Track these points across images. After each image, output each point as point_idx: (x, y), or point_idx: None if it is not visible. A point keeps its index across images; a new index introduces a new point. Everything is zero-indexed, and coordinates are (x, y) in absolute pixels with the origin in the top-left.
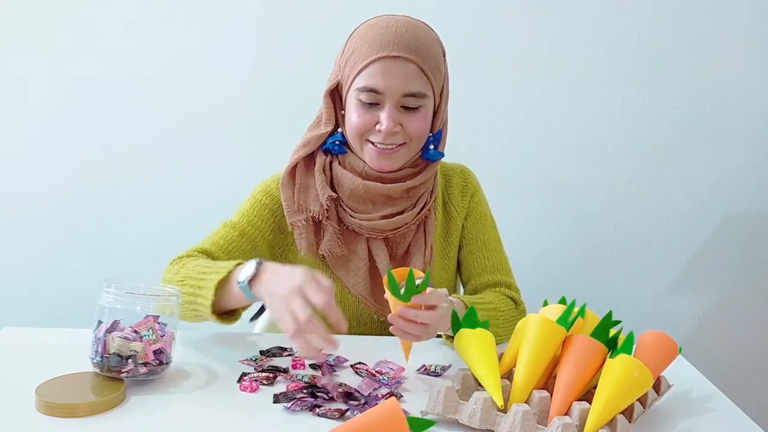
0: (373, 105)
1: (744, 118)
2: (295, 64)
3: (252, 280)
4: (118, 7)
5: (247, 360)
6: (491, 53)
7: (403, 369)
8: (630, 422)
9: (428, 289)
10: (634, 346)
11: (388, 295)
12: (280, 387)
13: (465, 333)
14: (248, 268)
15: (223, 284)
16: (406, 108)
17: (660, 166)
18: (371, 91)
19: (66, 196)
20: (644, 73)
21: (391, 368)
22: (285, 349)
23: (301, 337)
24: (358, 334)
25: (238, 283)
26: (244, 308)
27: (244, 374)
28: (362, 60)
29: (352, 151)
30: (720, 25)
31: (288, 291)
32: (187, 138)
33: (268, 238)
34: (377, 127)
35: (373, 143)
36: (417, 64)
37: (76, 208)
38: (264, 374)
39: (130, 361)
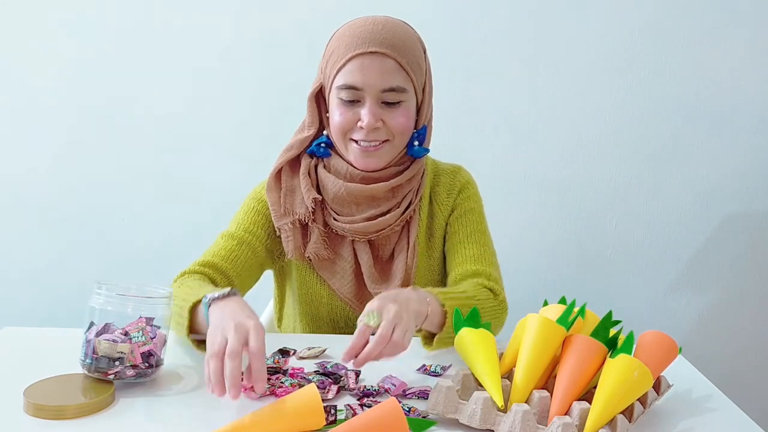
0: (354, 102)
1: (744, 118)
2: (296, 64)
3: (216, 300)
4: (119, 4)
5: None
6: (491, 54)
7: (406, 384)
8: (630, 422)
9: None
10: (634, 346)
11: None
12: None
13: (465, 333)
14: (220, 291)
15: (196, 308)
16: (387, 104)
17: (660, 166)
18: (350, 88)
19: (66, 195)
20: (644, 73)
21: (393, 384)
22: (287, 353)
23: (217, 362)
24: (347, 334)
25: (204, 297)
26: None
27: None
28: (340, 59)
29: (338, 153)
30: (720, 25)
31: (236, 324)
32: (188, 138)
33: (266, 242)
34: (359, 124)
35: (356, 142)
36: (394, 59)
37: (76, 208)
38: None
39: (117, 363)
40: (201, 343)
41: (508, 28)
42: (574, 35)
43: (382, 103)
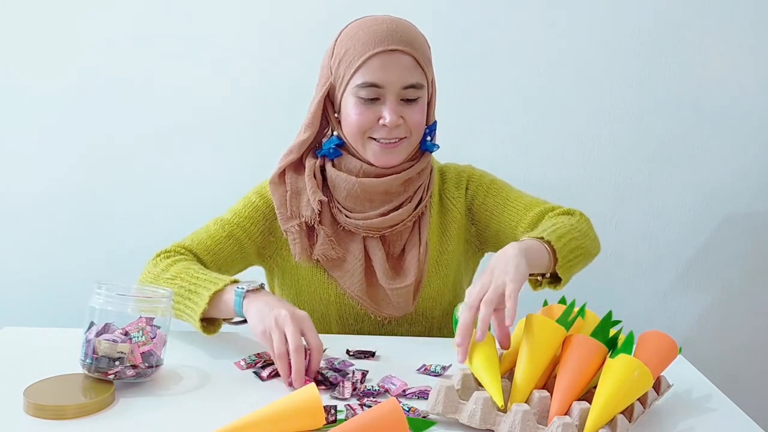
0: (374, 101)
1: (744, 118)
2: (296, 64)
3: (249, 292)
4: (119, 5)
5: (243, 361)
6: (491, 54)
7: (406, 384)
8: (630, 422)
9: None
10: (634, 346)
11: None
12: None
13: None
14: (252, 282)
15: (217, 295)
16: (406, 100)
17: (660, 166)
18: (372, 86)
19: (67, 196)
20: (644, 73)
21: (393, 384)
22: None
23: (286, 362)
24: (356, 332)
25: (236, 289)
26: (225, 320)
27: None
28: (359, 57)
29: (349, 153)
30: (720, 25)
31: (290, 315)
32: (188, 138)
33: (257, 240)
34: (380, 122)
35: (375, 139)
36: (413, 56)
37: (76, 208)
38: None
39: (117, 363)
40: (208, 327)
41: (508, 27)
42: (575, 35)
43: (400, 100)
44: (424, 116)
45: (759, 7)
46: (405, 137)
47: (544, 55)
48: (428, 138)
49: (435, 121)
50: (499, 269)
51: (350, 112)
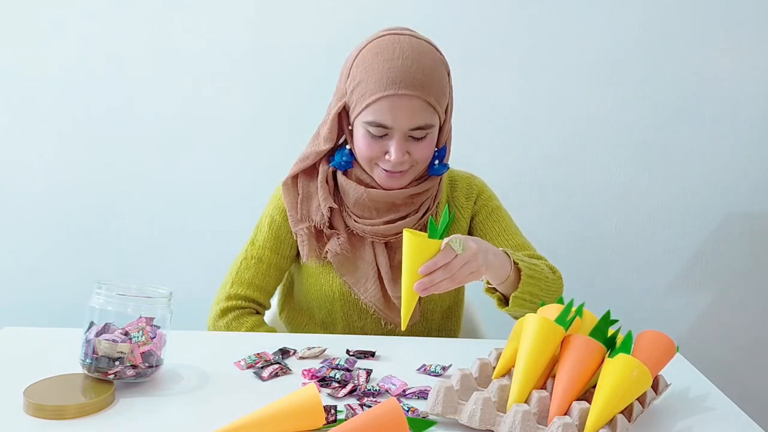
0: (382, 136)
1: (743, 118)
2: (298, 64)
3: None
4: (121, 4)
5: (243, 361)
6: (490, 54)
7: (406, 384)
8: (629, 422)
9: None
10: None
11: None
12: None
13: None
14: None
15: None
16: (414, 138)
17: (659, 166)
18: (380, 126)
19: (67, 196)
20: (644, 73)
21: (393, 384)
22: (288, 353)
23: None
24: (360, 329)
25: None
26: None
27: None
28: (369, 95)
29: (360, 166)
30: (719, 24)
31: None
32: (188, 139)
33: (290, 254)
34: (386, 156)
35: (381, 167)
36: (424, 99)
37: (76, 209)
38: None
39: (117, 363)
40: None
41: (508, 28)
42: (574, 35)
43: (408, 137)
44: (432, 149)
45: (759, 7)
46: (411, 167)
47: (545, 56)
48: (435, 162)
49: (444, 146)
50: (481, 259)
51: (359, 140)
